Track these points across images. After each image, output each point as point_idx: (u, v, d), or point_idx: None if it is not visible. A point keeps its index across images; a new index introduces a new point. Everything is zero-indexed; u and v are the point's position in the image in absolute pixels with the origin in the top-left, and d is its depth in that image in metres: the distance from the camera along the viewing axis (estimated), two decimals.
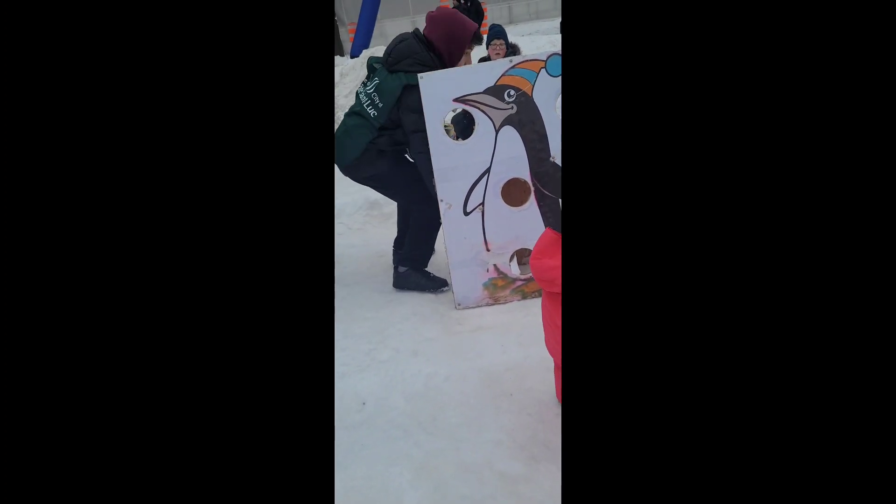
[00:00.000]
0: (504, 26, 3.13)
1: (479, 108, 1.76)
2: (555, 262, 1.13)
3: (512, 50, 2.75)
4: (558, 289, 1.14)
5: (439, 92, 1.73)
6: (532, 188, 1.84)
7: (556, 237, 1.19)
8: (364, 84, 1.95)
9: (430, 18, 1.92)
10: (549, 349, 1.32)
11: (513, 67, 1.72)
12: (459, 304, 1.96)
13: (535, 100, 1.74)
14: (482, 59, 2.87)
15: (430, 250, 2.20)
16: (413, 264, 2.12)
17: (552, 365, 1.58)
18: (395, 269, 2.16)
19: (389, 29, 10.03)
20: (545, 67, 1.72)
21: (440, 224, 1.96)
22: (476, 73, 1.74)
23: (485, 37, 3.16)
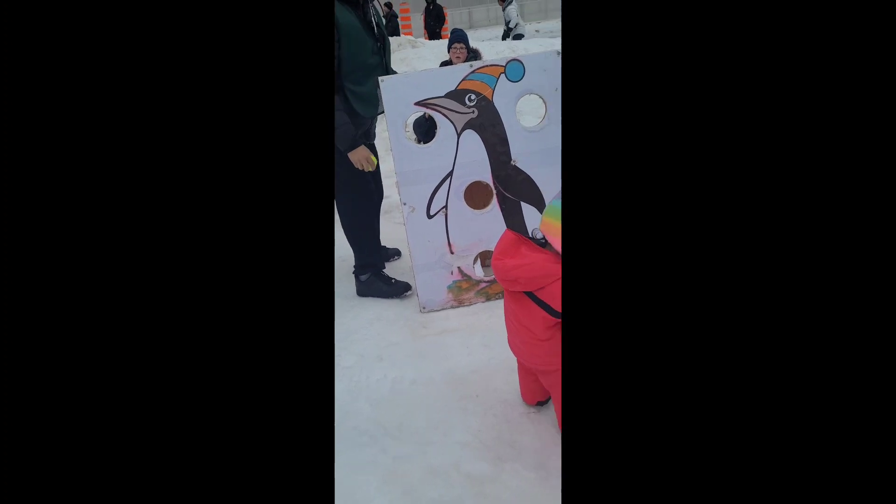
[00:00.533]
0: (464, 30, 3.16)
1: (440, 112, 1.77)
2: (516, 261, 1.15)
3: (473, 54, 2.78)
4: (520, 288, 1.16)
5: (401, 95, 1.73)
6: (494, 191, 1.86)
7: (516, 237, 1.21)
8: None
9: None
10: (512, 349, 1.34)
11: (473, 72, 1.74)
12: (424, 308, 1.96)
13: (495, 104, 1.77)
14: (444, 63, 2.89)
15: (377, 247, 2.12)
16: (373, 270, 2.09)
17: (517, 365, 1.61)
18: (356, 278, 2.12)
19: None
20: (504, 73, 1.75)
21: (364, 215, 1.93)
22: (437, 77, 1.75)
23: (446, 41, 3.19)
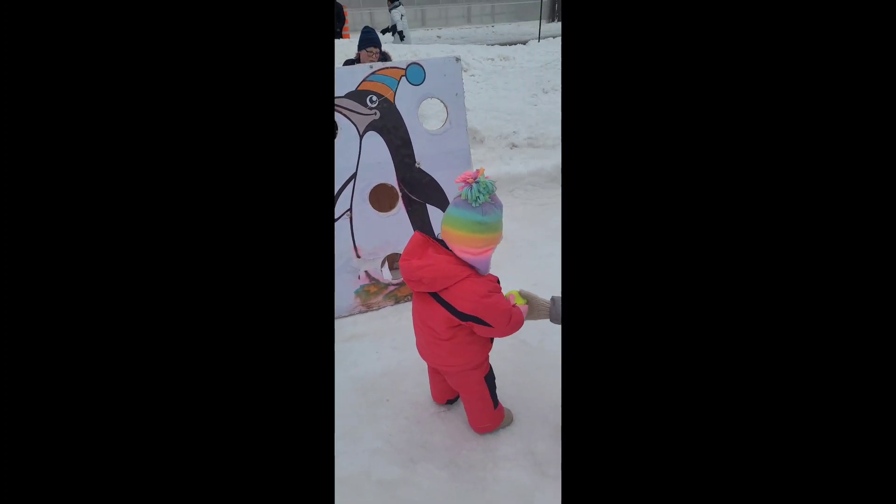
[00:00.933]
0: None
1: (341, 113, 1.72)
2: (421, 262, 1.16)
3: (383, 57, 2.73)
4: (425, 288, 1.17)
5: None
6: (399, 193, 1.86)
7: (423, 239, 1.22)
8: None
9: None
10: (419, 350, 1.35)
11: (373, 73, 1.72)
12: None
13: (397, 106, 1.77)
14: (347, 62, 2.81)
15: None
16: None
17: (427, 367, 1.62)
18: None
19: None
20: (405, 76, 1.76)
21: None
22: (336, 76, 1.70)
23: (347, 40, 3.07)
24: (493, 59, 5.64)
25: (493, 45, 6.37)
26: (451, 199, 1.91)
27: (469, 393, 1.33)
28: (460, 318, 1.16)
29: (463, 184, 1.12)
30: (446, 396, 1.46)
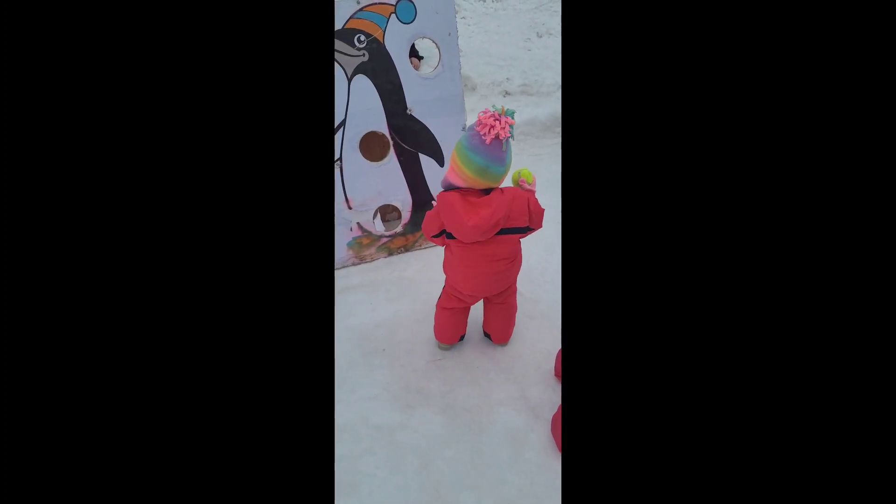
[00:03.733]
0: None
1: None
2: (489, 209, 1.16)
3: None
4: (504, 224, 1.19)
5: None
6: (391, 142, 1.80)
7: (457, 194, 1.20)
8: None
9: None
10: (476, 293, 1.37)
11: (361, 10, 1.61)
12: None
13: (387, 47, 1.67)
14: None
15: None
16: None
17: (422, 317, 1.63)
18: None
19: None
20: (395, 13, 1.65)
21: None
22: None
23: None
24: (484, 1, 5.36)
25: None
26: (444, 148, 1.85)
27: (510, 306, 1.45)
28: (522, 234, 1.25)
29: (489, 128, 1.10)
30: (461, 332, 1.51)
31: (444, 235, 1.29)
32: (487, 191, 1.20)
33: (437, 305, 1.46)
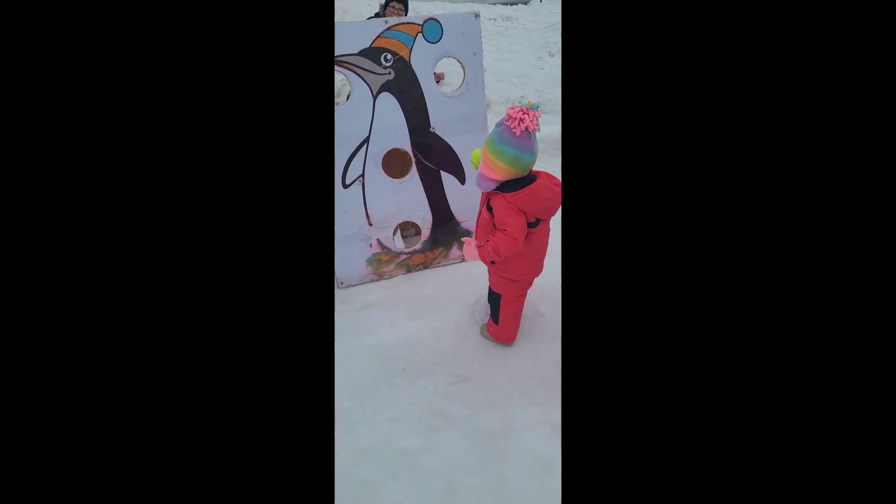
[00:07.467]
0: None
1: (354, 72, 1.63)
2: (549, 181, 1.25)
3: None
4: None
5: None
6: (413, 159, 1.79)
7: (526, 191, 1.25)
8: None
9: None
10: (536, 275, 1.45)
11: (388, 29, 1.62)
12: (342, 283, 1.86)
13: (412, 66, 1.68)
14: (375, 17, 2.65)
15: None
16: None
17: (443, 335, 1.61)
18: None
19: None
20: (422, 32, 1.66)
21: None
22: (349, 31, 1.60)
23: None
24: (495, 20, 5.43)
25: (494, 4, 6.14)
26: (466, 166, 1.85)
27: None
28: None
29: (519, 121, 1.17)
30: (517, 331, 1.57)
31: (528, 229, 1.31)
32: (521, 181, 1.25)
33: (504, 301, 1.47)
